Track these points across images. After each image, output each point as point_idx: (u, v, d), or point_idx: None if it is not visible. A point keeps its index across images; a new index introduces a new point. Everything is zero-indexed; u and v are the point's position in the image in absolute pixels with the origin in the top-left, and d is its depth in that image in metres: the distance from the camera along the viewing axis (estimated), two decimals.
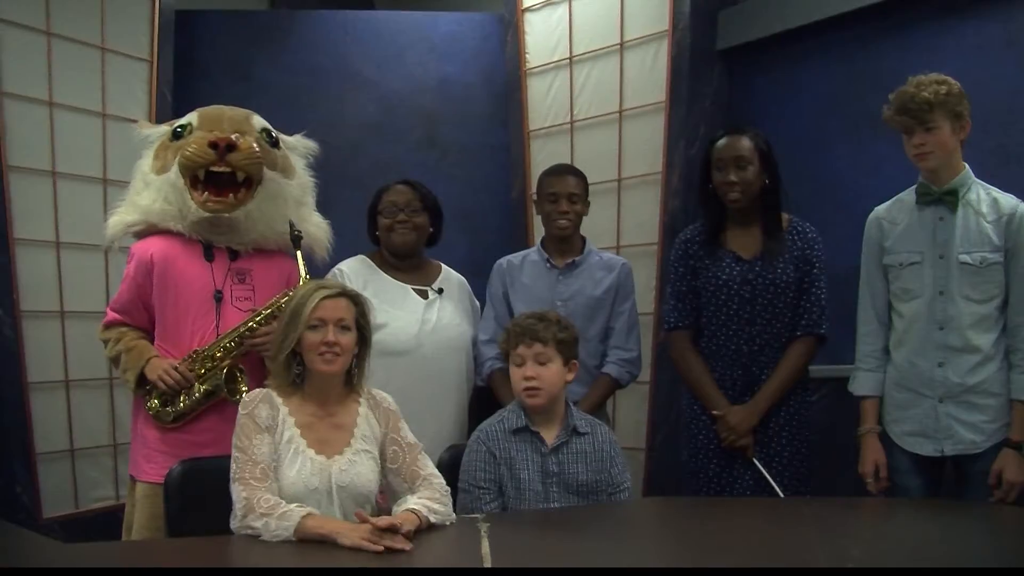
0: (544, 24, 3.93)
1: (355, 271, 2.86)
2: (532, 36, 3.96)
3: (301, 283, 2.48)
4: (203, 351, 2.52)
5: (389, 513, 2.02)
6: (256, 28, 4.14)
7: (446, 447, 2.50)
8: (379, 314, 2.61)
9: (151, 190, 2.62)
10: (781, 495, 2.54)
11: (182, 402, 2.51)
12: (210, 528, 2.02)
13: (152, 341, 2.59)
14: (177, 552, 1.96)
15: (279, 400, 2.10)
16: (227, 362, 2.52)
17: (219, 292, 2.58)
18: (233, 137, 2.57)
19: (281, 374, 2.12)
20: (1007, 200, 2.42)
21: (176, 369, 2.49)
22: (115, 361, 2.61)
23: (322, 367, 2.08)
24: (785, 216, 2.71)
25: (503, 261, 3.01)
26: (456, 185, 3.98)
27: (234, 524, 1.94)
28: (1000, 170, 2.75)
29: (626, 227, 3.68)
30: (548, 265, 2.93)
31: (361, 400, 2.18)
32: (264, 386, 2.15)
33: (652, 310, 3.49)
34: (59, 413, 3.30)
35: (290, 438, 2.05)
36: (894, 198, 2.57)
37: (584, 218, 2.98)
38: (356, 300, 2.16)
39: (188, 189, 2.57)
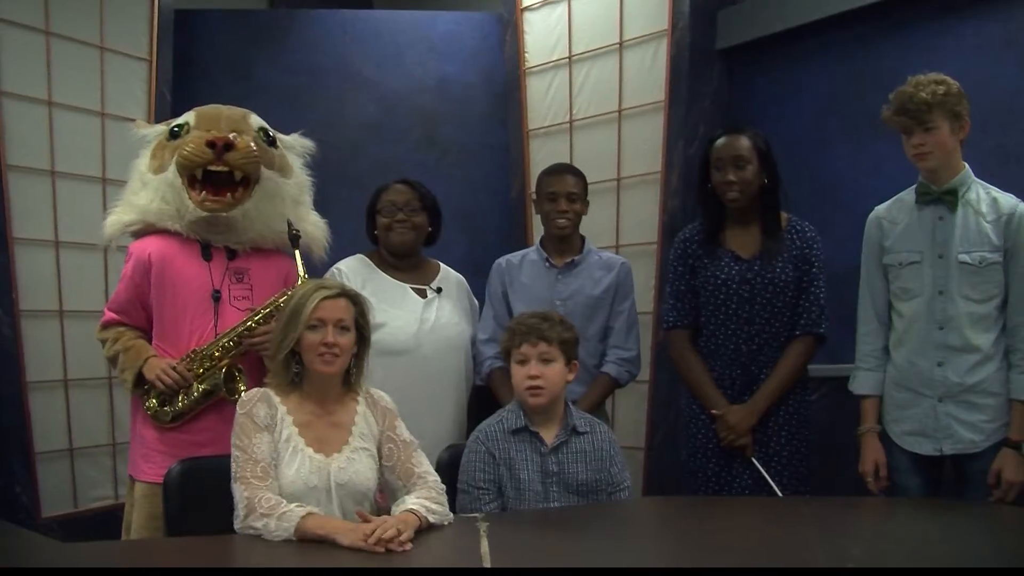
0: (543, 23, 3.92)
1: (354, 270, 2.85)
2: (531, 35, 3.95)
3: (299, 282, 2.48)
4: (201, 350, 2.52)
5: (388, 512, 2.02)
6: (255, 28, 4.14)
7: (445, 447, 2.50)
8: (378, 313, 2.62)
9: (148, 190, 2.62)
10: (780, 495, 2.54)
11: (180, 402, 2.50)
12: (209, 528, 2.02)
13: (150, 341, 2.59)
14: (176, 552, 1.96)
15: (277, 399, 2.10)
16: (226, 361, 2.52)
17: (217, 291, 2.58)
18: (231, 136, 2.56)
19: (280, 373, 2.12)
20: (1007, 200, 2.42)
21: (174, 369, 2.48)
22: (113, 361, 2.61)
23: (321, 368, 2.08)
24: (784, 215, 2.71)
25: (502, 260, 3.00)
26: (455, 185, 3.97)
27: (237, 524, 1.94)
28: (1000, 170, 2.75)
29: (625, 226, 3.67)
30: (547, 264, 2.93)
31: (359, 399, 2.18)
32: (263, 385, 2.15)
33: (651, 309, 3.48)
34: (58, 413, 3.29)
35: (288, 437, 2.06)
36: (894, 198, 2.57)
37: (583, 217, 2.98)
38: (355, 300, 2.16)
39: (186, 188, 2.56)
